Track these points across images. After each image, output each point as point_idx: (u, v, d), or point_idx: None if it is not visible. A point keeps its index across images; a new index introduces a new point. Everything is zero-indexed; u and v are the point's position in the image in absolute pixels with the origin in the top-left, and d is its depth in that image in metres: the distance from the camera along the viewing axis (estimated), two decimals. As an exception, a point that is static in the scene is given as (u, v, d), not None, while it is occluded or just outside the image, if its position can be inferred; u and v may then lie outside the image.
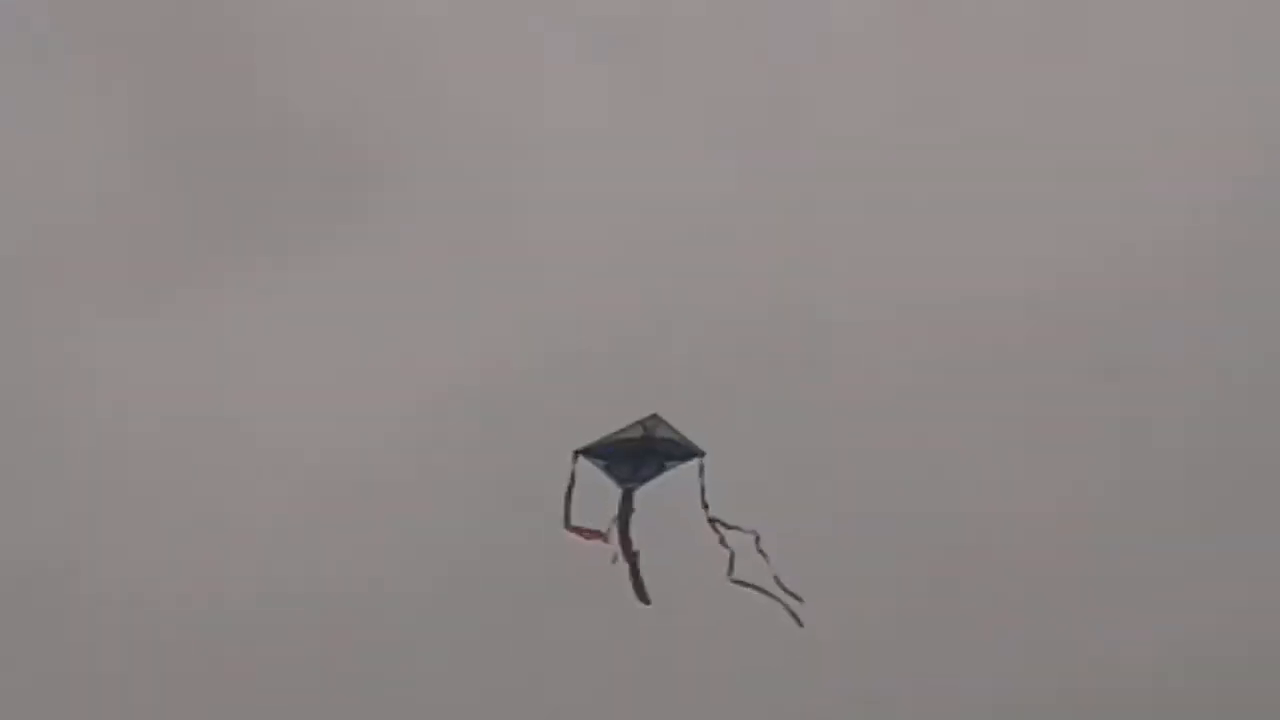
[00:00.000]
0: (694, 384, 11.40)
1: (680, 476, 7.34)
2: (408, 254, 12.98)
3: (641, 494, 7.26)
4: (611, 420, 7.47)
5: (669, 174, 12.94)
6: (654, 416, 7.33)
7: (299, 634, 11.38)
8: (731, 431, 9.46)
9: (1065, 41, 13.83)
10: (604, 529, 7.24)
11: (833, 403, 12.16)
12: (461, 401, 11.68)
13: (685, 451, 7.36)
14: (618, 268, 12.52)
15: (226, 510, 11.82)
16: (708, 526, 7.36)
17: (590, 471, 7.28)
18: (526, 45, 14.07)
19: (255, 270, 13.26)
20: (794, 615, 7.08)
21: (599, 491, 7.32)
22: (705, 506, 7.35)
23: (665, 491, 7.41)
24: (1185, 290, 13.09)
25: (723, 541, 7.30)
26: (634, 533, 7.24)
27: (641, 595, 7.31)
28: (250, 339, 12.78)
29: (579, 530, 7.23)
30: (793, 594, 7.16)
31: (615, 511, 7.30)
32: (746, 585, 7.14)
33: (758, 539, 7.08)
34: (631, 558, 7.20)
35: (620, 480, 7.32)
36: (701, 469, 7.32)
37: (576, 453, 7.31)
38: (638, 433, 7.32)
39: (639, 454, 7.35)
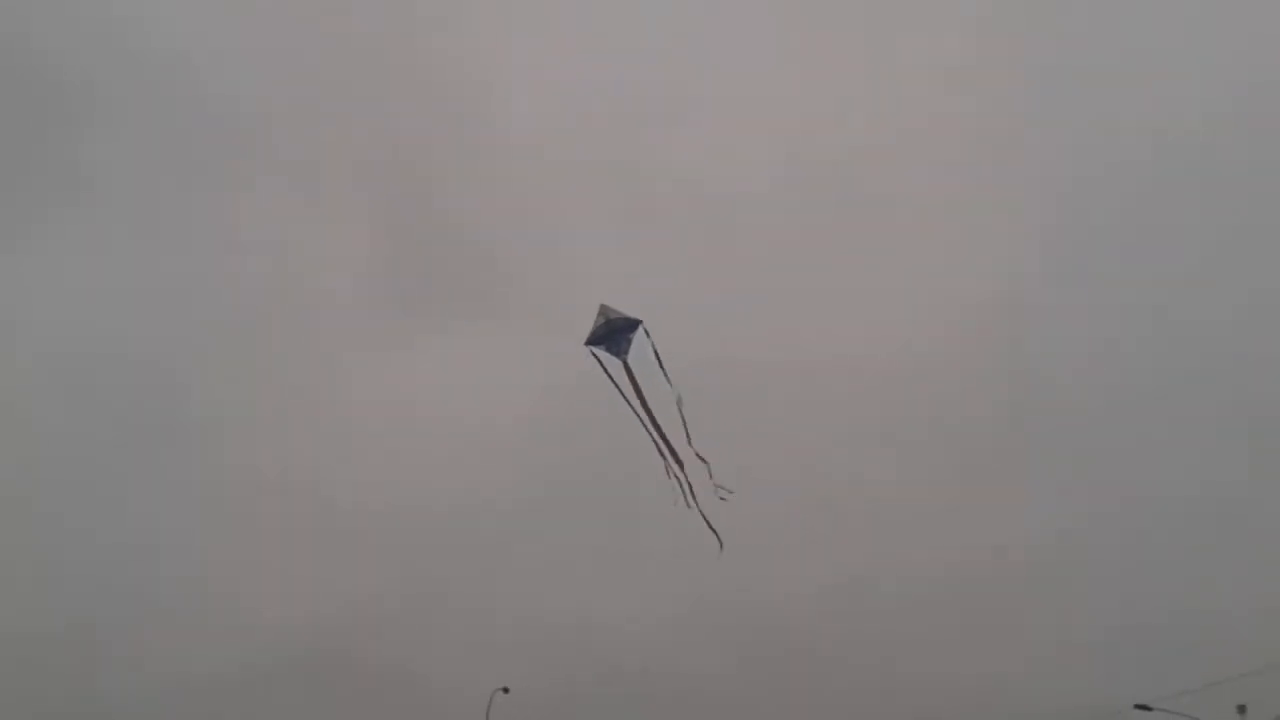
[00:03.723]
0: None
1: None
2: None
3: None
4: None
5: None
6: (603, 306, 10.33)
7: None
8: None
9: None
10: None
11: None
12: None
13: (631, 323, 10.36)
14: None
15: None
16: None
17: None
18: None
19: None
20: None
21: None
22: (657, 357, 10.22)
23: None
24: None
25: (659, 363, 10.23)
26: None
27: (676, 458, 10.25)
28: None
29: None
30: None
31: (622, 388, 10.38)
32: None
33: (679, 400, 10.23)
34: (654, 421, 10.08)
35: (616, 354, 10.28)
36: (645, 331, 10.37)
37: (586, 344, 10.35)
38: (603, 319, 10.34)
39: (612, 335, 10.31)
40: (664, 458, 10.13)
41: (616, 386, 10.13)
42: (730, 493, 10.42)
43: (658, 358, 10.10)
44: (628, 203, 20.44)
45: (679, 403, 10.01)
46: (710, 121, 22.03)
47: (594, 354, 10.34)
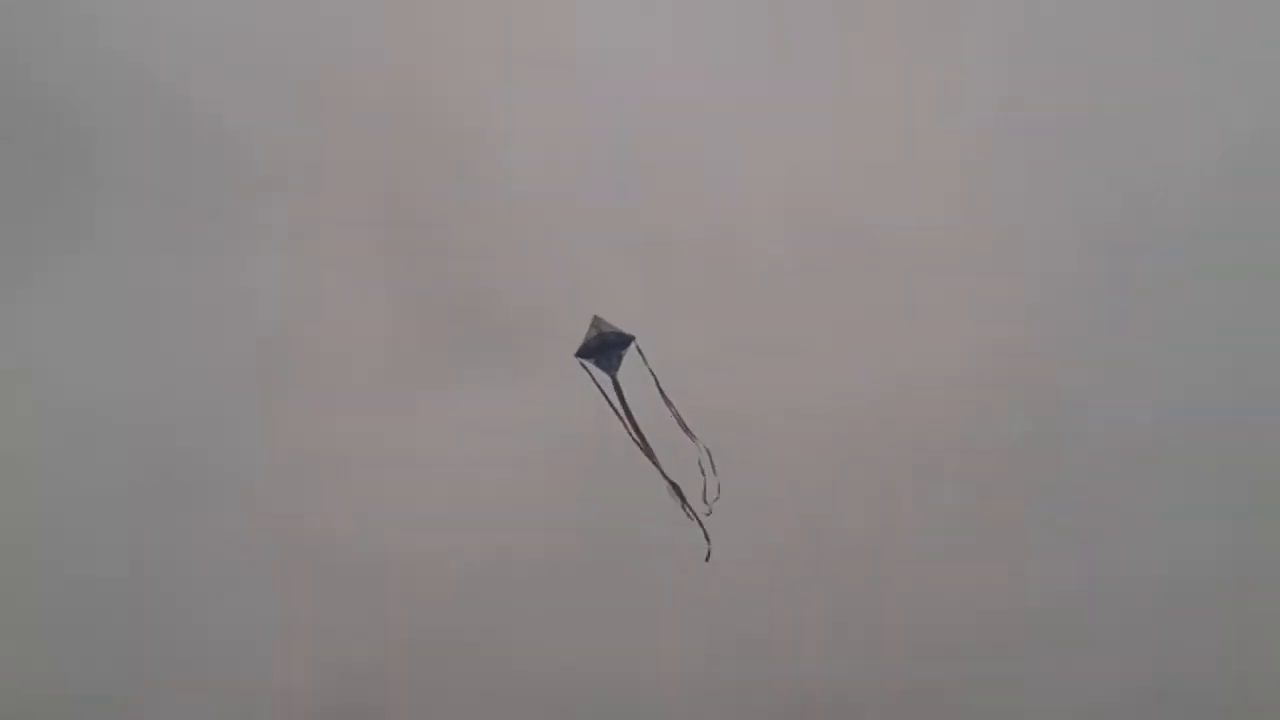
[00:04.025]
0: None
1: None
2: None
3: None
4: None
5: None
6: (596, 318, 10.55)
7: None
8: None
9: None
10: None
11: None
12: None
13: (624, 339, 10.74)
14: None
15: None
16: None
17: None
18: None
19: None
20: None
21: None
22: (654, 377, 10.23)
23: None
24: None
25: (678, 420, 9.85)
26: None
27: (664, 475, 9.90)
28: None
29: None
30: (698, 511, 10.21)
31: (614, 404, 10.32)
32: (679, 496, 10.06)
33: (702, 448, 9.88)
34: (642, 437, 10.34)
35: (607, 370, 10.52)
36: (639, 349, 10.54)
37: (576, 355, 10.51)
38: (594, 333, 10.75)
39: (604, 349, 10.78)
40: (658, 468, 10.05)
41: (607, 399, 10.08)
42: (709, 508, 10.37)
43: (665, 398, 10.00)
44: (647, 250, 20.43)
45: (707, 454, 9.99)
46: (726, 166, 22.05)
47: (584, 366, 10.72)
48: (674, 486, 10.06)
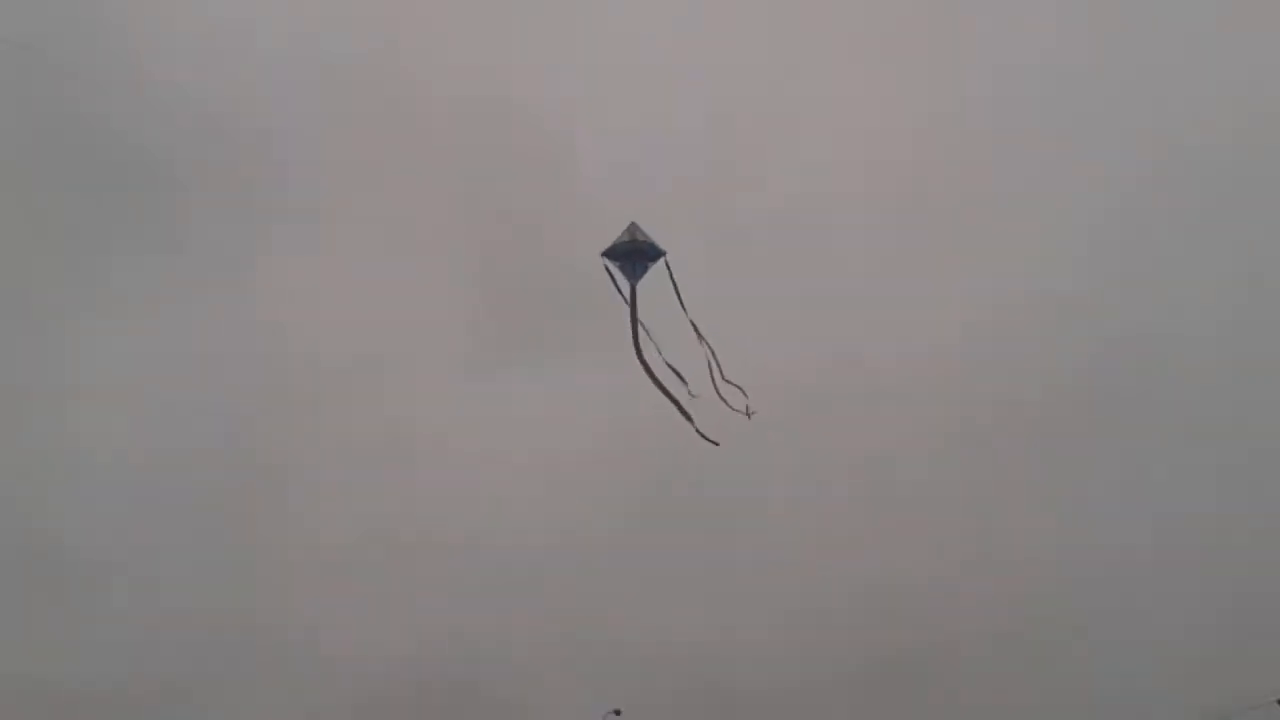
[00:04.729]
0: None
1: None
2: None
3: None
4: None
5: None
6: (633, 225, 9.88)
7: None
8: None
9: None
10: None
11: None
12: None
13: (656, 250, 9.83)
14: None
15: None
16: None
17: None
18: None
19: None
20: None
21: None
22: (678, 295, 9.88)
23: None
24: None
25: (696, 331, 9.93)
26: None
27: (656, 380, 9.73)
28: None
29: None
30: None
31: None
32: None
33: (702, 339, 10.02)
34: (640, 348, 9.60)
35: (630, 277, 9.72)
36: (667, 264, 9.82)
37: (603, 254, 9.86)
38: (627, 237, 9.84)
39: (630, 255, 9.82)
40: (656, 383, 9.91)
41: (622, 296, 9.87)
42: (754, 412, 10.30)
43: (679, 297, 9.84)
44: (714, 223, 20.88)
45: (706, 344, 9.96)
46: (785, 137, 22.42)
47: (607, 268, 9.95)
48: (667, 393, 9.83)
